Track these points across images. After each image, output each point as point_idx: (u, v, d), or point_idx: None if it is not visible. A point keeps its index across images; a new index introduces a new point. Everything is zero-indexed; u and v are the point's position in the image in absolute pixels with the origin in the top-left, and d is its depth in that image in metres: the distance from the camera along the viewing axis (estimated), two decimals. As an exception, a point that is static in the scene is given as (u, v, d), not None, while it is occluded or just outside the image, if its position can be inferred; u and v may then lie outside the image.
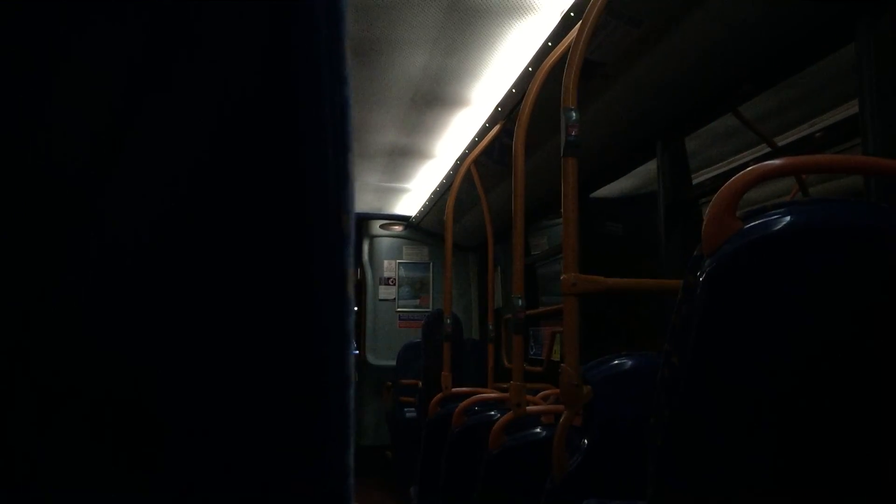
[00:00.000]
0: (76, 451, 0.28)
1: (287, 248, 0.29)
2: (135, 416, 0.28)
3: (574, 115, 1.60)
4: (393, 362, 4.91)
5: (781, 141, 2.37)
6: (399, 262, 5.51)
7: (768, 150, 2.25)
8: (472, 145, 3.35)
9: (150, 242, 0.28)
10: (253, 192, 0.28)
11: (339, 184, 0.28)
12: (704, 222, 0.93)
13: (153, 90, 0.28)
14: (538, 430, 2.00)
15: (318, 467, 0.30)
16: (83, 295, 0.28)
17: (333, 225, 0.29)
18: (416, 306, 5.47)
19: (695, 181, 2.45)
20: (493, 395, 2.62)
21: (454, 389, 2.94)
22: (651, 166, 2.55)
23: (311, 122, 0.28)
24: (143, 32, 0.27)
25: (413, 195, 4.87)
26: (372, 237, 5.47)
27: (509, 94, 2.74)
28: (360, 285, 5.50)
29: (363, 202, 5.04)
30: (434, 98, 3.03)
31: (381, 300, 5.43)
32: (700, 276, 0.92)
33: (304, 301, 0.29)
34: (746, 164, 1.96)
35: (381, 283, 5.45)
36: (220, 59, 0.28)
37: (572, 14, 2.06)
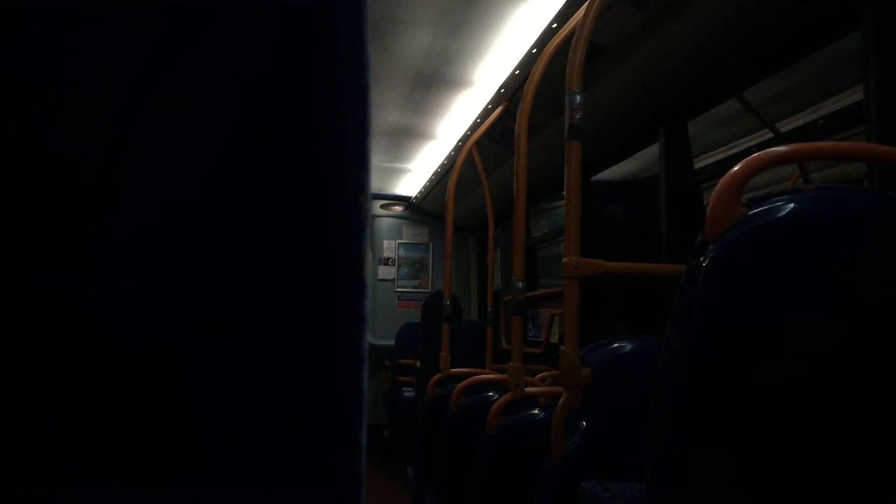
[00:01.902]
0: (87, 445, 0.28)
1: (307, 231, 0.29)
2: (148, 404, 0.28)
3: (578, 98, 1.59)
4: (391, 342, 4.93)
5: (784, 127, 2.36)
6: (399, 243, 5.52)
7: (770, 135, 2.24)
8: (475, 126, 3.34)
9: (167, 227, 0.28)
10: (274, 176, 0.28)
11: (359, 167, 0.29)
12: (709, 207, 0.93)
13: (170, 78, 0.28)
14: (536, 411, 2.00)
15: (333, 447, 0.30)
16: (99, 281, 0.28)
17: (353, 208, 0.29)
18: (415, 287, 5.49)
19: (696, 165, 2.45)
20: (491, 376, 2.62)
21: (452, 370, 2.95)
22: (653, 150, 2.55)
23: (332, 105, 0.28)
24: (163, 17, 0.27)
25: (414, 176, 4.86)
26: (372, 217, 5.48)
27: (513, 76, 2.73)
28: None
29: (364, 182, 5.04)
30: (437, 78, 3.02)
31: (380, 280, 5.45)
32: (703, 261, 0.92)
33: (322, 284, 0.29)
34: (748, 150, 1.96)
35: (380, 264, 5.46)
36: (242, 42, 0.28)
37: (577, -5, 2.05)
